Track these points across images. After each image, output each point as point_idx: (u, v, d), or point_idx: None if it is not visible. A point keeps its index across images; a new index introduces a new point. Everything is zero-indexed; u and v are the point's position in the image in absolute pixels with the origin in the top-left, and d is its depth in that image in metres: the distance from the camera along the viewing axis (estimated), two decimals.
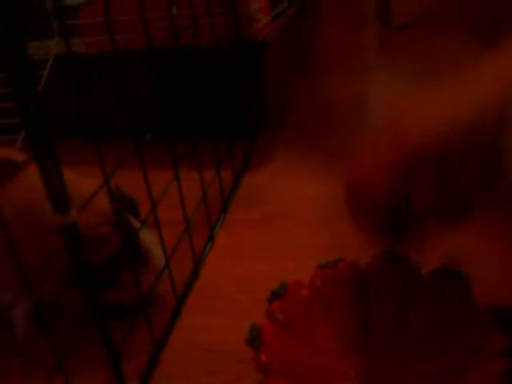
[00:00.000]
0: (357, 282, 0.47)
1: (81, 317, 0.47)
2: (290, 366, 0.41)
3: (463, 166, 0.38)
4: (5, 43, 0.30)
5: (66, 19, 0.74)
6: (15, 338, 0.51)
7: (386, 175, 0.41)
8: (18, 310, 0.51)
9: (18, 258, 0.34)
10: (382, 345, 0.44)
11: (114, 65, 0.49)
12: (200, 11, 0.67)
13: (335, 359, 0.43)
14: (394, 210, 0.42)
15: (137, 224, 0.51)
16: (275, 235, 0.62)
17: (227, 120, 0.80)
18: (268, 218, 0.65)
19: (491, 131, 0.36)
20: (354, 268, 0.48)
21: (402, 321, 0.45)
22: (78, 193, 0.38)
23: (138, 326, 0.47)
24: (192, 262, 0.58)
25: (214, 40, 0.72)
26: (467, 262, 0.46)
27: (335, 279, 0.47)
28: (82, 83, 0.36)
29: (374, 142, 0.43)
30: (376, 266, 0.48)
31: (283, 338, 0.43)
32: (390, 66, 1.06)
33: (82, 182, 0.46)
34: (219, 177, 0.66)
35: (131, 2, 0.53)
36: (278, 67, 0.92)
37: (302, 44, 1.15)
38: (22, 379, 0.48)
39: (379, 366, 0.43)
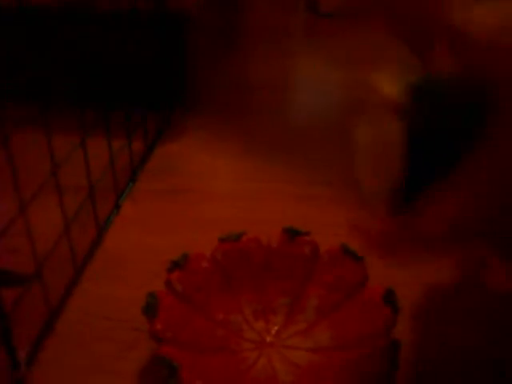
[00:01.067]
0: (257, 257, 0.48)
1: None
2: (184, 336, 0.41)
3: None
4: None
5: None
6: None
7: None
8: None
9: None
10: (280, 319, 0.46)
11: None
12: None
13: (231, 332, 0.44)
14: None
15: None
16: (182, 208, 0.62)
17: (144, 91, 0.78)
18: (176, 190, 0.65)
19: None
20: (256, 243, 0.49)
21: (299, 296, 0.47)
22: None
23: (32, 292, 0.46)
24: (95, 230, 0.56)
25: (133, 5, 0.71)
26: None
27: (236, 253, 0.48)
28: None
29: None
30: (277, 242, 0.49)
31: (180, 308, 0.43)
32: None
33: None
34: (129, 145, 0.65)
35: None
36: (200, 42, 0.91)
37: (229, 23, 1.14)
38: None
39: (276, 339, 0.44)
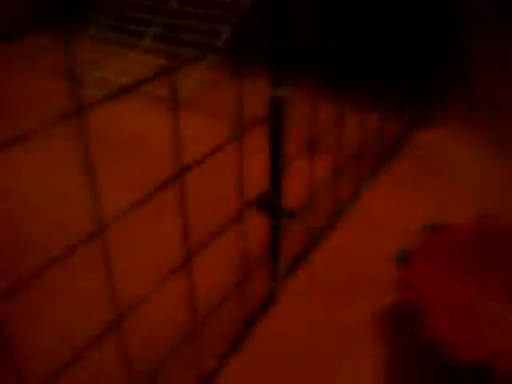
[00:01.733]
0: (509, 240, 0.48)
1: None
2: (431, 291, 0.43)
3: None
4: None
5: None
6: None
7: None
8: None
9: None
10: None
11: None
12: None
13: (476, 304, 0.44)
14: None
15: None
16: (439, 187, 0.64)
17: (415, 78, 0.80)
18: (433, 171, 0.67)
19: None
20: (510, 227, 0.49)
21: None
22: None
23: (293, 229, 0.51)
24: (353, 188, 0.61)
25: None
26: None
27: (493, 232, 0.48)
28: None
29: None
30: None
31: (429, 268, 0.45)
32: None
33: None
34: (397, 123, 0.68)
35: None
36: (478, 36, 0.89)
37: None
38: None
39: None
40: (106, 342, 0.40)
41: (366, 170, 0.65)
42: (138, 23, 0.99)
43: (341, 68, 0.53)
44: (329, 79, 0.49)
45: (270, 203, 0.46)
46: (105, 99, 0.27)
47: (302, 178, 0.52)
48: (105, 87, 0.80)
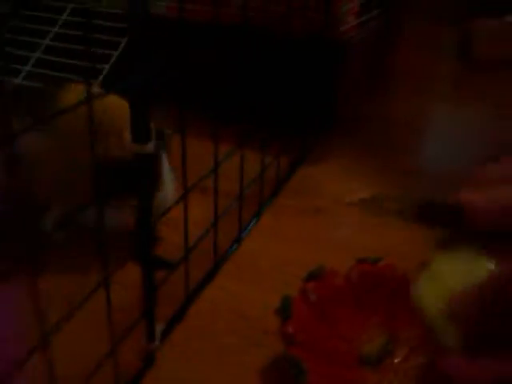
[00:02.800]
0: (391, 283, 0.48)
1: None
2: (312, 342, 0.42)
3: None
4: None
5: None
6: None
7: None
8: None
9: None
10: (405, 351, 0.45)
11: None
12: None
13: (355, 347, 0.45)
14: None
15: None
16: (317, 226, 0.64)
17: (296, 113, 0.82)
18: (313, 210, 0.67)
19: None
20: (392, 270, 0.49)
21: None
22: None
23: (172, 279, 0.49)
24: (236, 232, 0.60)
25: (302, 32, 0.75)
26: None
27: (371, 276, 0.49)
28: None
29: None
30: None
31: (311, 316, 0.45)
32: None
33: None
34: (278, 162, 0.68)
35: None
36: (353, 73, 0.93)
37: (380, 58, 1.16)
38: None
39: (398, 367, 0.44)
40: None
41: (249, 211, 0.64)
42: (21, 48, 0.94)
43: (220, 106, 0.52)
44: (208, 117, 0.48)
45: (142, 253, 0.43)
46: None
47: (180, 224, 0.50)
48: None
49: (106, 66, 0.87)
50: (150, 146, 0.38)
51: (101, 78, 0.86)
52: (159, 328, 0.48)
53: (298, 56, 0.79)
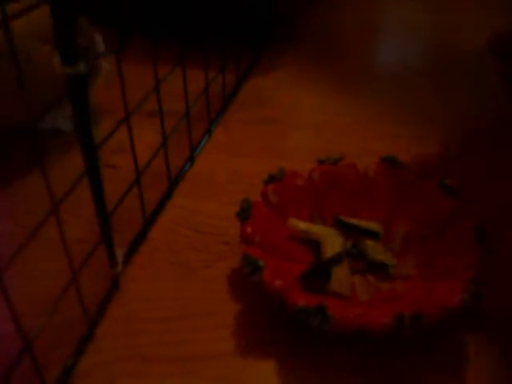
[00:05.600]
0: (353, 182, 0.49)
1: None
2: (271, 242, 0.43)
3: None
4: None
5: None
6: None
7: None
8: None
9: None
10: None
11: None
12: None
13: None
14: None
15: None
16: (270, 137, 0.63)
17: (237, 24, 0.79)
18: (265, 120, 0.66)
19: None
20: (353, 169, 0.50)
21: (388, 225, 0.47)
22: None
23: (129, 203, 0.48)
24: (188, 151, 0.59)
25: None
26: None
27: (332, 175, 0.49)
28: None
29: None
30: (374, 169, 0.49)
31: (271, 217, 0.45)
32: None
33: None
34: (223, 75, 0.66)
35: None
36: None
37: None
38: None
39: None
40: None
41: (199, 129, 0.63)
42: None
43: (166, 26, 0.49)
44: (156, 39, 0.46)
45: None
46: None
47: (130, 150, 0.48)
48: None
49: None
50: (81, 67, 0.36)
51: None
52: (120, 252, 0.47)
53: None
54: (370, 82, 0.75)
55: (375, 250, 0.44)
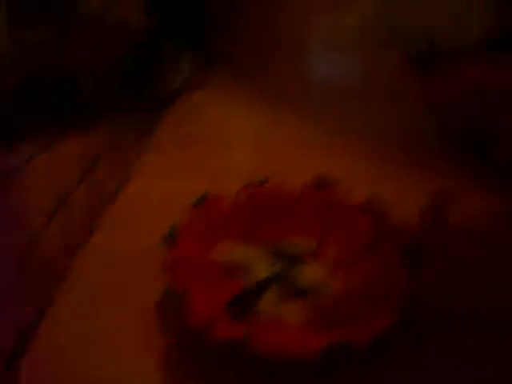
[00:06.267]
0: (280, 202, 0.49)
1: None
2: (197, 268, 0.42)
3: None
4: None
5: None
6: None
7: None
8: None
9: None
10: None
11: None
12: None
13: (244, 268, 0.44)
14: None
15: None
16: (204, 156, 0.62)
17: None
18: (198, 139, 0.65)
19: None
20: (280, 189, 0.49)
21: (317, 244, 0.46)
22: None
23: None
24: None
25: None
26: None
27: (260, 197, 0.49)
28: None
29: None
30: (303, 189, 0.49)
31: (199, 241, 0.44)
32: None
33: None
34: (152, 94, 0.65)
35: None
36: None
37: None
38: None
39: None
40: None
41: (130, 146, 0.62)
42: None
43: None
44: None
45: None
46: None
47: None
48: None
49: None
50: None
51: None
52: None
53: None
54: (302, 96, 0.75)
55: (305, 273, 0.44)
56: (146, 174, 0.60)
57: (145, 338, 0.42)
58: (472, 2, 0.33)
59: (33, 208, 0.50)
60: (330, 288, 0.43)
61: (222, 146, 0.64)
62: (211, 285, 0.41)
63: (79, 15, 0.60)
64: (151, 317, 0.43)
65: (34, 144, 0.53)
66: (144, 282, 0.46)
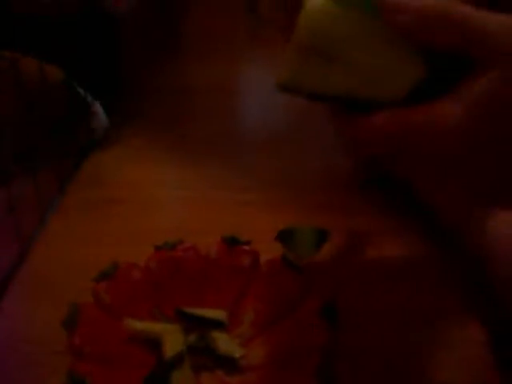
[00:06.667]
0: (194, 266, 0.46)
1: None
2: (103, 351, 0.39)
3: None
4: None
5: None
6: None
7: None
8: None
9: None
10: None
11: None
12: None
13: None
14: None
15: None
16: (114, 219, 0.59)
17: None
18: (108, 201, 0.62)
19: None
20: (193, 252, 0.47)
21: (236, 309, 0.44)
22: None
23: None
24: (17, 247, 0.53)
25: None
26: None
27: (171, 262, 0.46)
28: None
29: None
30: (216, 251, 0.47)
31: (104, 320, 0.41)
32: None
33: None
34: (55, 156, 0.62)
35: None
36: (135, 45, 0.88)
37: (166, 24, 1.12)
38: None
39: None
40: None
41: (33, 215, 0.58)
42: None
43: None
44: None
45: None
46: None
47: None
48: None
49: None
50: None
51: None
52: None
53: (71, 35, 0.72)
54: (217, 146, 0.74)
55: (222, 341, 0.41)
56: (50, 243, 0.56)
57: None
58: (399, 56, 0.33)
59: None
60: (250, 354, 0.41)
61: (135, 208, 0.61)
62: (119, 367, 0.38)
63: None
64: None
65: None
66: (49, 366, 0.43)
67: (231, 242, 0.47)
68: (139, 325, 0.41)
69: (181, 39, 1.16)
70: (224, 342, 0.41)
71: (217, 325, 0.42)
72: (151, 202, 0.62)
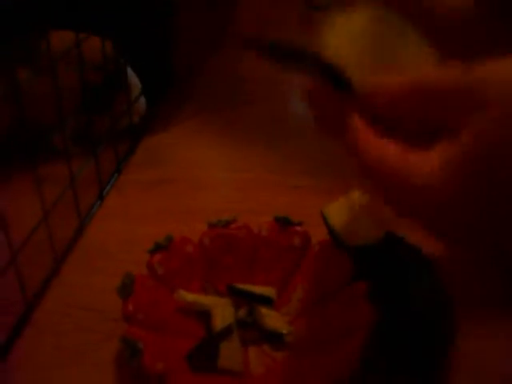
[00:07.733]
0: (246, 244, 0.47)
1: None
2: (155, 318, 0.40)
3: None
4: None
5: None
6: None
7: None
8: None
9: None
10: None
11: None
12: None
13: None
14: None
15: None
16: (168, 198, 0.61)
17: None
18: (163, 181, 0.64)
19: None
20: (246, 230, 0.48)
21: (285, 287, 0.45)
22: None
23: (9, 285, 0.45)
24: (77, 221, 0.56)
25: None
26: None
27: (224, 239, 0.47)
28: None
29: None
30: (268, 230, 0.48)
31: (157, 290, 0.43)
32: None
33: None
34: (114, 136, 0.64)
35: None
36: (193, 30, 0.89)
37: (221, 12, 1.13)
38: None
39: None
40: None
41: (92, 192, 0.60)
42: None
43: None
44: None
45: None
46: None
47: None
48: None
49: None
50: None
51: None
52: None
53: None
54: (269, 131, 0.74)
55: (270, 318, 0.42)
56: (106, 218, 0.58)
57: None
58: None
59: None
60: (296, 332, 0.42)
61: (189, 187, 0.63)
62: (170, 335, 0.40)
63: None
64: (109, 369, 0.42)
65: None
66: (101, 332, 0.45)
67: (283, 223, 0.47)
68: (191, 297, 0.42)
69: (237, 27, 1.17)
70: (272, 319, 0.42)
71: (265, 301, 0.43)
72: (204, 183, 0.63)
